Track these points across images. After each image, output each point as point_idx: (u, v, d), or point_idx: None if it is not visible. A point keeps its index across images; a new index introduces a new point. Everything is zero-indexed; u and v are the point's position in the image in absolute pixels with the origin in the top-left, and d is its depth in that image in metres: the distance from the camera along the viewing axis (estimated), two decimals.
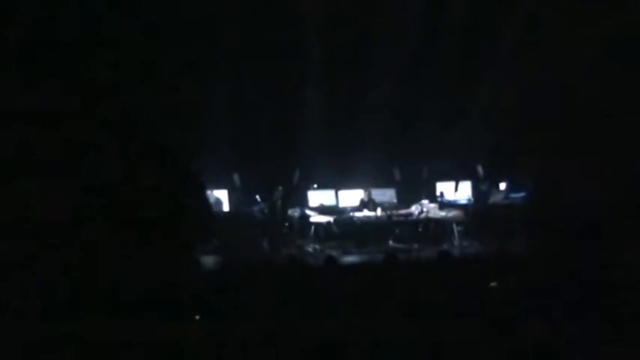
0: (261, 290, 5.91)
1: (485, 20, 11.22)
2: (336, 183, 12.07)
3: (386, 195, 11.94)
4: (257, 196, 11.58)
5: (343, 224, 11.26)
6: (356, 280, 6.47)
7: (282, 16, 11.01)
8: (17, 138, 7.39)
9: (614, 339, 4.71)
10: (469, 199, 11.90)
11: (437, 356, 4.72)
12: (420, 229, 11.11)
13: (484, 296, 5.74)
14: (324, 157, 12.06)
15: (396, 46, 11.52)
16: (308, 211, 11.43)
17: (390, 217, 11.09)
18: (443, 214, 11.14)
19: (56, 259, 6.54)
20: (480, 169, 12.15)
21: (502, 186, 11.86)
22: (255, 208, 11.51)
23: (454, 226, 11.03)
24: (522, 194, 11.44)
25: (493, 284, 6.00)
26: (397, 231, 11.25)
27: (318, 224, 11.25)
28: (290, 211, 11.34)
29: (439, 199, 11.71)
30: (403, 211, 11.23)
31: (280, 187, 11.40)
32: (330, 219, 11.28)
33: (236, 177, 12.07)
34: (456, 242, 10.89)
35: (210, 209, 10.86)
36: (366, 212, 11.31)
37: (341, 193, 11.97)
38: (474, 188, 12.12)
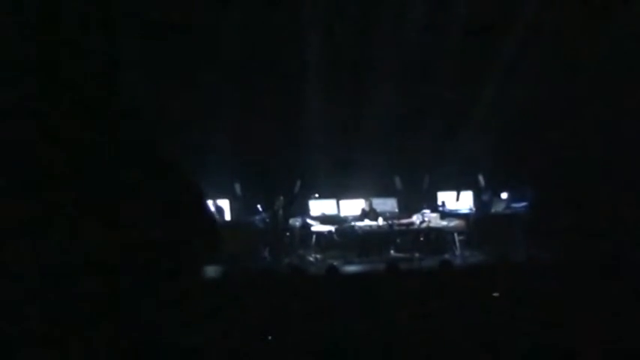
0: (262, 299, 5.90)
1: (487, 29, 11.24)
2: (338, 192, 12.07)
3: (387, 204, 11.94)
4: (258, 206, 11.59)
5: (345, 234, 11.25)
6: (357, 290, 6.46)
7: (284, 26, 11.04)
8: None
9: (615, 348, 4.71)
10: (470, 209, 11.89)
11: None
12: (421, 239, 11.09)
13: (486, 306, 5.73)
14: (326, 166, 12.08)
15: (397, 55, 11.56)
16: (309, 221, 11.42)
17: (391, 226, 11.07)
18: (444, 223, 11.13)
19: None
20: (481, 178, 12.16)
21: (503, 195, 11.86)
22: (257, 217, 11.51)
23: (455, 235, 11.02)
24: (524, 204, 11.44)
25: (495, 294, 5.99)
26: (398, 240, 11.24)
27: (319, 234, 11.25)
28: (291, 221, 11.33)
29: (440, 209, 11.71)
30: (404, 221, 11.21)
31: (281, 197, 11.40)
32: (332, 228, 11.27)
33: (237, 187, 12.08)
34: (458, 252, 10.87)
35: (213, 218, 10.71)
36: (367, 222, 11.30)
37: (342, 202, 11.97)
38: (476, 198, 12.12)
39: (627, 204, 8.96)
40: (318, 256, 11.01)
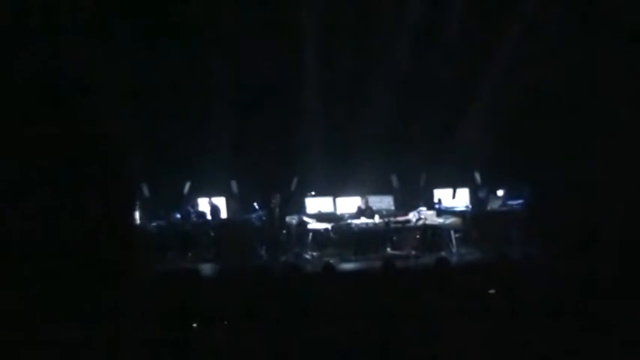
0: (259, 297, 5.90)
1: (483, 28, 11.26)
2: (334, 190, 12.07)
3: (383, 202, 11.94)
4: (255, 204, 11.58)
5: (341, 231, 11.25)
6: (354, 287, 6.47)
7: (282, 23, 11.03)
8: None
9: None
10: (467, 206, 11.90)
11: None
12: (417, 236, 11.10)
13: (483, 303, 5.74)
14: (322, 164, 12.07)
15: (393, 54, 11.57)
16: (306, 219, 11.42)
17: (387, 224, 11.08)
18: (440, 220, 11.15)
19: None
20: (477, 176, 12.17)
21: (500, 193, 11.87)
22: (253, 215, 11.51)
23: (452, 232, 11.04)
24: (520, 201, 11.46)
25: (492, 291, 6.00)
26: (395, 238, 11.25)
27: (316, 231, 11.24)
28: (288, 219, 11.33)
29: (437, 206, 11.71)
30: (401, 218, 11.23)
31: (278, 195, 11.39)
32: (328, 226, 11.27)
33: (234, 184, 12.07)
34: (454, 249, 10.89)
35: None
36: (363, 219, 11.30)
37: (339, 200, 11.96)
38: (472, 195, 12.13)
39: (624, 202, 8.98)
40: (315, 253, 11.01)
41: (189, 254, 11.27)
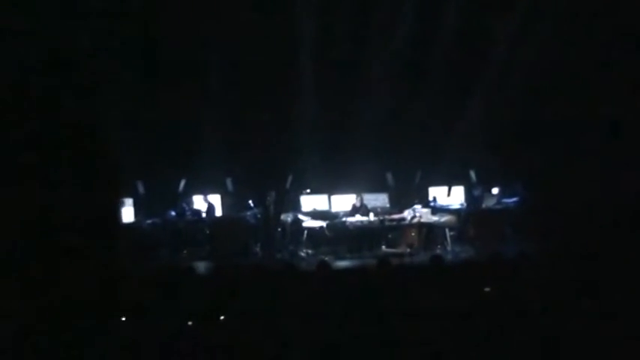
0: (254, 295, 5.89)
1: (479, 27, 11.26)
2: (329, 188, 12.08)
3: (378, 200, 11.96)
4: (250, 201, 11.57)
5: (336, 229, 11.25)
6: (349, 285, 6.46)
7: (275, 23, 11.01)
8: None
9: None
10: (462, 204, 11.92)
11: None
12: (412, 234, 11.11)
13: (477, 301, 5.74)
14: (317, 161, 12.07)
15: (389, 51, 11.56)
16: (301, 216, 11.42)
17: (382, 221, 11.09)
18: (435, 218, 11.15)
19: None
20: (472, 174, 12.18)
21: (494, 191, 11.90)
22: (248, 213, 11.50)
23: (447, 230, 11.05)
24: (514, 199, 11.48)
25: (487, 289, 6.00)
26: (390, 236, 11.26)
27: (310, 229, 11.24)
28: (283, 216, 11.33)
29: (432, 204, 11.73)
30: (396, 216, 11.24)
31: (273, 192, 11.38)
32: (323, 224, 11.27)
33: (229, 182, 12.06)
34: (449, 247, 10.90)
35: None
36: (358, 217, 11.31)
37: (334, 197, 11.97)
38: (467, 193, 12.15)
39: (620, 200, 9.01)
40: (310, 251, 11.01)
41: (184, 252, 11.27)
